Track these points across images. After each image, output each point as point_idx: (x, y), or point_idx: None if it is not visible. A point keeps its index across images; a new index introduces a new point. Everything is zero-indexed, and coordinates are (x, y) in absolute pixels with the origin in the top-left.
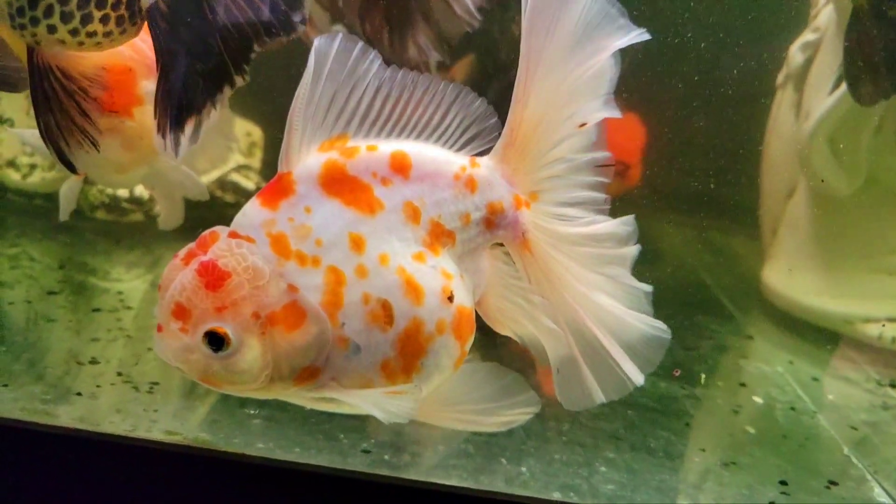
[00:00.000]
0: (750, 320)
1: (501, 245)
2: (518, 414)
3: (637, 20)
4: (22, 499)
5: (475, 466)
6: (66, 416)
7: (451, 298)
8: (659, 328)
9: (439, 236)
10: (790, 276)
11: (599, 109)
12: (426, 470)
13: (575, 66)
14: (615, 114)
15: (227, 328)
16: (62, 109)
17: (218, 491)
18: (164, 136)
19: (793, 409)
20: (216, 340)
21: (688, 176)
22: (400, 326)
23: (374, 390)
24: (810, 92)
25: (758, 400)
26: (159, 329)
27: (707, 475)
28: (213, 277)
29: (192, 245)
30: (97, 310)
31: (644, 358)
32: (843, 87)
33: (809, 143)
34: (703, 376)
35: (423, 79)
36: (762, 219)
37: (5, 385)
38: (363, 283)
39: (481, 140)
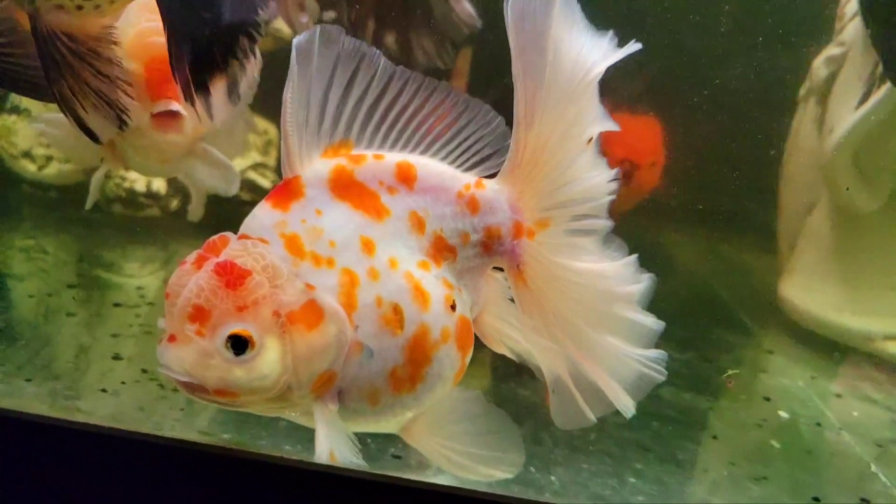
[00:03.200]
0: (768, 335)
1: (502, 270)
2: (499, 472)
3: (653, 25)
4: (42, 494)
5: None
6: (92, 413)
7: (453, 307)
8: (653, 370)
9: (441, 249)
10: (810, 292)
11: (599, 121)
12: (454, 476)
13: (571, 79)
14: (611, 126)
15: (249, 329)
16: (74, 73)
17: (244, 492)
18: (191, 101)
19: (818, 424)
20: (239, 344)
21: (704, 188)
22: (409, 332)
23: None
24: (834, 107)
25: (783, 414)
26: (172, 339)
27: (738, 489)
28: (232, 276)
29: (199, 250)
30: (118, 304)
31: (631, 394)
32: (870, 102)
33: (833, 158)
34: (735, 371)
35: (436, 86)
36: (780, 233)
37: (28, 380)
38: (376, 285)
39: (495, 161)
